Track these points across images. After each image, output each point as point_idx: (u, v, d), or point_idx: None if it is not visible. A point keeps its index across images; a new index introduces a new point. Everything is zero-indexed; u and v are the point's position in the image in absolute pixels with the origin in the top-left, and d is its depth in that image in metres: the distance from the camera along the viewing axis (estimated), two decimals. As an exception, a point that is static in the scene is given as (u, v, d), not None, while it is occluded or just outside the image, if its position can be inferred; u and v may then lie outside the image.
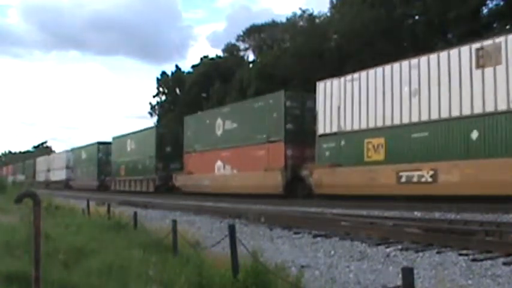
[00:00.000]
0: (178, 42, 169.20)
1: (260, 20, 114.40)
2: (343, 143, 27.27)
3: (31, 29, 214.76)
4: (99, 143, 64.62)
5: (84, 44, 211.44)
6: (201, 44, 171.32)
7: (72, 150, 76.05)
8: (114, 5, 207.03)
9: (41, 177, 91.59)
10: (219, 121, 38.15)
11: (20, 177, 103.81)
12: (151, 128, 51.86)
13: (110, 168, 59.42)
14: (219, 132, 38.09)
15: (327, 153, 28.07)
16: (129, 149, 53.52)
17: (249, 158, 33.56)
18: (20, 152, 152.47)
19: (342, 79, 27.72)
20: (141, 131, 53.24)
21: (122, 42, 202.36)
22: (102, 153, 62.50)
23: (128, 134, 55.92)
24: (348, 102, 27.05)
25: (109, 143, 61.93)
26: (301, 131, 30.62)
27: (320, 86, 29.04)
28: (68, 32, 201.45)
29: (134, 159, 51.34)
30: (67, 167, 75.20)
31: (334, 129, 27.74)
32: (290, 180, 30.15)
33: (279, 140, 31.02)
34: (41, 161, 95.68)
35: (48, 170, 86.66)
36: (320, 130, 28.54)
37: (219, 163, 37.49)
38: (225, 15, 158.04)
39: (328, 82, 28.62)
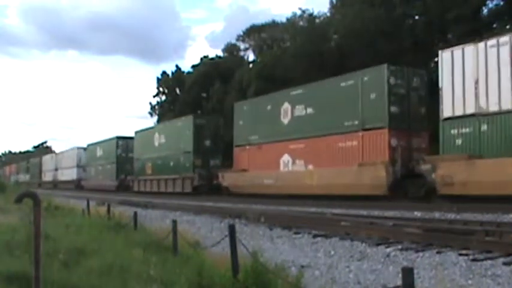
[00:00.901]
0: (176, 42, 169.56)
1: (258, 20, 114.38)
2: (484, 127, 21.27)
3: (29, 29, 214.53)
4: (119, 138, 58.79)
5: (83, 43, 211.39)
6: (199, 44, 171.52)
7: (88, 146, 69.54)
8: (112, 5, 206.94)
9: (47, 176, 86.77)
10: (286, 106, 31.81)
11: (24, 177, 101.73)
12: (186, 118, 43.98)
13: (131, 166, 54.02)
14: (285, 120, 31.88)
15: (458, 141, 22.20)
16: (157, 143, 47.58)
17: (333, 150, 27.68)
18: (20, 152, 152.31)
19: (481, 44, 21.68)
20: (173, 122, 47.59)
21: (121, 42, 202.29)
22: (122, 149, 57.18)
23: (156, 127, 51.11)
24: (492, 74, 20.94)
25: (130, 138, 56.63)
26: (407, 115, 25.54)
27: (445, 56, 23.23)
28: (66, 32, 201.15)
29: (164, 156, 45.34)
30: (78, 166, 70.52)
31: (470, 110, 21.78)
32: (399, 178, 24.29)
33: (379, 127, 25.32)
34: (48, 160, 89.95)
35: (56, 169, 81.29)
36: (446, 112, 22.75)
37: (285, 158, 31.34)
38: (223, 16, 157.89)
39: (457, 50, 22.77)
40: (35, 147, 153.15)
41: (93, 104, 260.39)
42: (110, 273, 7.66)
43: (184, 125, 42.77)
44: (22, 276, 6.83)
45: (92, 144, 67.85)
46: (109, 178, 58.04)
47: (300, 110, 30.62)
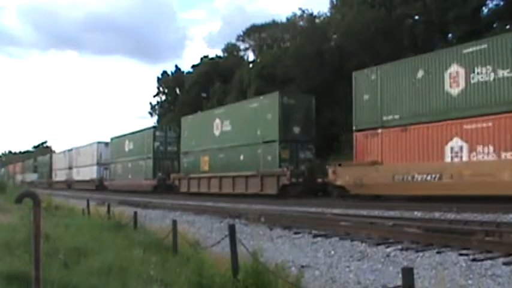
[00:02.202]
0: (174, 43, 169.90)
1: (255, 20, 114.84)
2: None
3: (27, 29, 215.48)
4: (156, 128, 50.71)
5: (81, 44, 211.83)
6: (196, 44, 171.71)
7: (112, 140, 60.22)
8: (110, 5, 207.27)
9: (60, 176, 78.42)
10: (456, 70, 22.57)
11: (31, 177, 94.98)
12: (269, 96, 33.98)
13: (171, 162, 47.55)
14: (455, 89, 22.59)
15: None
16: (217, 132, 38.53)
17: None
18: (20, 152, 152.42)
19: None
20: (244, 103, 37.92)
21: (118, 42, 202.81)
22: (161, 142, 48.46)
23: (214, 111, 40.95)
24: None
25: (169, 128, 50.04)
26: None
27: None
28: (64, 32, 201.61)
29: (230, 147, 36.52)
30: (98, 164, 62.28)
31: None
32: None
33: None
34: (60, 157, 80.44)
35: (70, 168, 73.00)
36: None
37: (456, 143, 22.15)
38: (220, 16, 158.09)
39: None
40: (35, 147, 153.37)
41: (91, 104, 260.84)
42: (109, 273, 7.66)
43: (265, 105, 33.58)
44: (22, 276, 6.83)
45: (117, 138, 58.76)
46: (143, 177, 49.30)
47: (486, 73, 21.48)
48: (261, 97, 34.92)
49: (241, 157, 35.14)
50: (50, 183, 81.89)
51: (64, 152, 79.54)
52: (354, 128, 27.26)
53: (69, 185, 71.80)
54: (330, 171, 27.77)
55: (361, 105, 26.96)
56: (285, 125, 32.09)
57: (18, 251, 8.71)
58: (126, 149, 54.25)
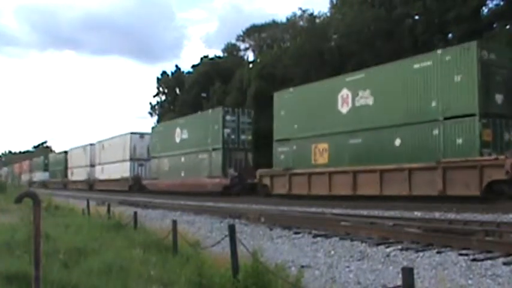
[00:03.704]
0: (172, 42, 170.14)
1: (252, 20, 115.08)
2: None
3: (25, 29, 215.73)
4: (227, 110, 39.14)
5: (79, 43, 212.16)
6: (194, 44, 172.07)
7: (154, 129, 51.08)
8: (107, 4, 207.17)
9: (78, 175, 69.13)
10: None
11: (41, 176, 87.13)
12: (455, 49, 23.14)
13: (248, 155, 38.63)
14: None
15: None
16: (347, 108, 27.41)
17: None
18: (20, 152, 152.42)
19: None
20: (401, 62, 25.76)
21: (116, 42, 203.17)
22: (232, 128, 38.27)
23: (346, 76, 28.66)
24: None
25: (242, 111, 39.48)
26: None
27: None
28: (62, 32, 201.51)
29: (373, 129, 25.83)
30: (132, 159, 52.41)
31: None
32: None
33: None
34: (78, 153, 70.02)
35: (92, 165, 63.72)
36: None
37: None
38: (217, 15, 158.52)
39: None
40: (35, 147, 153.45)
41: (90, 104, 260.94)
42: (109, 273, 7.65)
43: (449, 62, 22.51)
44: (22, 276, 6.83)
45: (162, 125, 50.08)
46: (205, 174, 39.07)
47: None
48: (439, 51, 23.72)
49: (396, 141, 24.59)
50: (65, 183, 74.29)
51: (84, 146, 68.69)
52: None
53: (91, 185, 63.13)
54: None
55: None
56: (486, 92, 21.77)
57: (18, 251, 8.71)
58: (177, 139, 43.63)
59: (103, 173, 59.61)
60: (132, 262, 8.45)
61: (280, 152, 32.13)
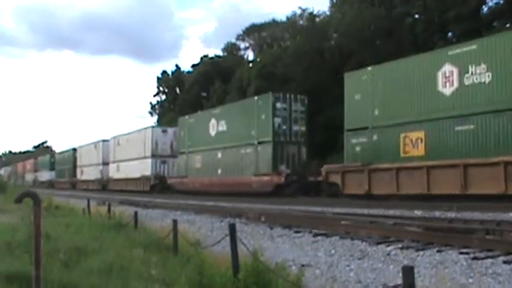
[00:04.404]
0: (171, 42, 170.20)
1: (250, 19, 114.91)
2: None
3: (23, 29, 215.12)
4: (277, 97, 33.39)
5: (78, 43, 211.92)
6: (193, 43, 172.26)
7: (181, 122, 44.98)
8: (106, 4, 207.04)
9: (88, 174, 64.71)
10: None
11: (47, 175, 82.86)
12: None
13: (301, 149, 33.50)
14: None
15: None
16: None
17: None
18: (20, 152, 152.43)
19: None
20: None
21: (115, 42, 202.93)
22: (283, 118, 33.10)
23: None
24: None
25: (295, 98, 33.91)
26: None
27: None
28: (60, 32, 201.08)
29: None
30: (154, 156, 47.37)
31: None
32: None
33: None
34: (89, 151, 65.19)
35: (105, 163, 58.88)
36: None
37: None
38: (215, 15, 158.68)
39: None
40: (35, 147, 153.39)
41: (90, 104, 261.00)
42: (110, 272, 7.66)
43: None
44: (22, 275, 6.83)
45: (190, 118, 43.52)
46: (250, 172, 34.24)
47: None
48: None
49: None
50: (74, 183, 70.12)
51: (95, 143, 63.80)
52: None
53: (104, 185, 58.82)
54: None
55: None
56: None
57: (18, 251, 8.71)
58: (212, 132, 38.78)
59: (119, 171, 54.54)
60: (132, 262, 8.46)
61: (355, 143, 27.23)
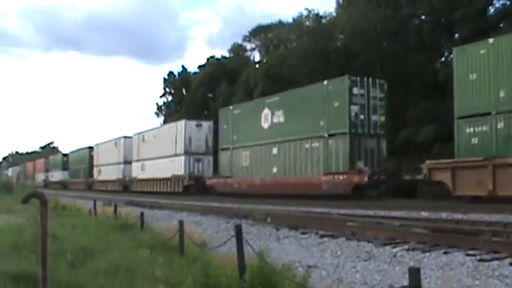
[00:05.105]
0: (176, 43, 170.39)
1: (255, 20, 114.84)
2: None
3: (29, 30, 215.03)
4: (353, 79, 28.96)
5: (83, 44, 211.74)
6: (198, 44, 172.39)
7: (222, 114, 40.27)
8: (111, 4, 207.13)
9: (107, 174, 59.99)
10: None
11: (59, 175, 78.71)
12: None
13: (381, 142, 29.10)
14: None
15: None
16: None
17: None
18: (27, 153, 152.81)
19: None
20: None
21: (120, 42, 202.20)
22: (361, 106, 28.45)
23: None
24: None
25: (373, 82, 29.17)
26: None
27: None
28: (65, 33, 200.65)
29: None
30: (187, 153, 42.50)
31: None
32: None
33: None
34: (108, 149, 60.40)
35: (128, 162, 54.25)
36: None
37: None
38: (220, 16, 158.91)
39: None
40: (41, 147, 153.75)
41: (96, 105, 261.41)
42: (116, 273, 7.67)
43: None
44: (29, 276, 6.84)
45: (235, 108, 38.59)
46: (317, 170, 29.56)
47: None
48: None
49: None
50: (90, 184, 66.03)
51: (115, 140, 59.37)
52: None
53: (126, 185, 54.27)
54: None
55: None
56: None
57: (25, 251, 8.73)
58: (265, 124, 34.05)
59: (144, 171, 49.56)
60: (138, 262, 8.46)
61: (470, 133, 22.80)
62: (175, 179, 43.13)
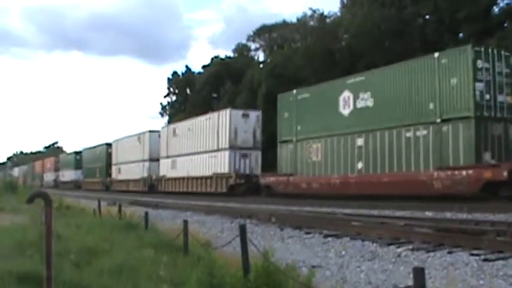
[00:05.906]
0: (179, 43, 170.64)
1: (257, 20, 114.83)
2: None
3: (32, 30, 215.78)
4: (478, 49, 22.63)
5: (86, 44, 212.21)
6: (201, 44, 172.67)
7: (281, 100, 33.65)
8: (113, 5, 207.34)
9: (127, 173, 54.33)
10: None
11: (72, 175, 73.09)
12: None
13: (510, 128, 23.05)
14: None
15: None
16: None
17: None
18: (32, 153, 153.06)
19: None
20: None
21: (123, 42, 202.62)
22: (486, 82, 22.06)
23: None
24: None
25: (498, 54, 22.88)
26: None
27: None
28: (68, 33, 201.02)
29: None
30: (232, 148, 36.77)
31: None
32: None
33: None
34: (131, 145, 54.13)
35: (154, 159, 48.66)
36: None
37: None
38: (222, 16, 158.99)
39: None
40: (46, 147, 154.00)
41: (99, 105, 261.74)
42: (120, 273, 7.69)
43: None
44: (34, 275, 6.86)
45: (302, 92, 31.99)
46: (423, 165, 23.63)
47: None
48: None
49: None
50: (108, 184, 60.26)
51: (139, 135, 53.45)
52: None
53: (152, 185, 48.74)
54: None
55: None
56: None
57: (30, 251, 8.76)
58: (345, 111, 27.96)
59: (175, 168, 44.09)
60: (143, 262, 8.48)
61: None
62: (217, 177, 37.66)
